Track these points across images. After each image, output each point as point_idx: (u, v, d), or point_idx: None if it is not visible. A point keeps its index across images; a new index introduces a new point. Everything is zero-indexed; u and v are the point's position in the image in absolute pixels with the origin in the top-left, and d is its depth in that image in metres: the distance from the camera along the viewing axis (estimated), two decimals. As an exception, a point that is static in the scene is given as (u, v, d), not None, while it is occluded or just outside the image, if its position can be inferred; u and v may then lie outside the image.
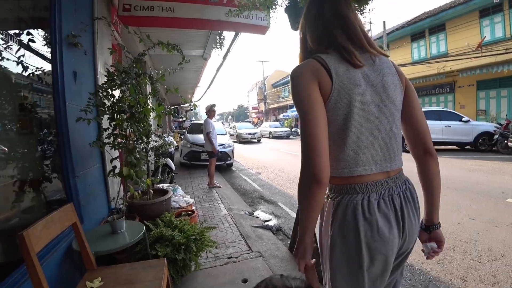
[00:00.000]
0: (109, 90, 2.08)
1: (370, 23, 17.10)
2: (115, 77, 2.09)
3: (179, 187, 3.61)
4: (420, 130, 0.94)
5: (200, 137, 7.49)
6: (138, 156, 2.38)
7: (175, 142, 5.54)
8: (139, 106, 2.37)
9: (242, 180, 6.70)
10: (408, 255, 0.97)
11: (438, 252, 0.97)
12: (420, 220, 0.98)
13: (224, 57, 7.28)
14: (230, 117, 64.41)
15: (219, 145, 5.91)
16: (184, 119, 24.41)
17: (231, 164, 8.37)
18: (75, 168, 2.10)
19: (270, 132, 21.90)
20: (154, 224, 2.38)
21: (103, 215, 2.63)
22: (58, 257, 1.70)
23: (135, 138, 2.52)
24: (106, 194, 2.82)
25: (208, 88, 15.59)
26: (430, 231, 0.98)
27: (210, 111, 5.65)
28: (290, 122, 26.71)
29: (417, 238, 0.98)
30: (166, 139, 5.37)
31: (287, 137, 21.81)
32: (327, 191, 0.95)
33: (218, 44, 6.93)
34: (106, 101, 2.01)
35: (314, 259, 0.92)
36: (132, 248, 2.07)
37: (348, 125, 0.84)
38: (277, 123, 25.19)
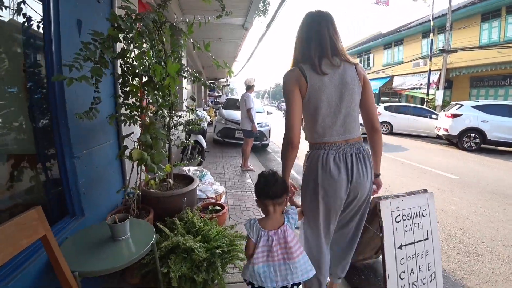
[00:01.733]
0: (111, 41, 1.48)
1: (434, -4, 14.83)
2: (121, 23, 1.50)
3: (208, 173, 3.09)
4: (369, 113, 1.43)
5: (236, 114, 6.92)
6: (155, 135, 1.83)
7: (208, 117, 5.00)
8: (161, 68, 1.78)
9: (278, 164, 6.08)
10: (364, 203, 1.44)
11: (376, 191, 1.56)
12: (369, 175, 1.38)
13: (268, 26, 6.47)
14: (266, 95, 63.24)
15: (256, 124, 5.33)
16: (220, 94, 24.07)
17: (266, 145, 7.76)
18: (73, 147, 1.60)
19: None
20: (171, 228, 1.85)
21: (115, 202, 2.18)
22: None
23: (154, 111, 1.98)
24: (122, 176, 2.36)
25: (247, 62, 14.80)
26: (374, 177, 1.49)
27: (252, 86, 4.97)
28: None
29: (369, 191, 1.41)
30: (198, 113, 4.86)
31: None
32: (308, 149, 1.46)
33: (261, 12, 6.15)
34: (107, 54, 1.43)
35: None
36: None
37: (317, 112, 1.32)
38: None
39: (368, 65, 22.43)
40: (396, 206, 1.66)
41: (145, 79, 1.88)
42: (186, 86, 7.06)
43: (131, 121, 1.79)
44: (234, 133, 6.99)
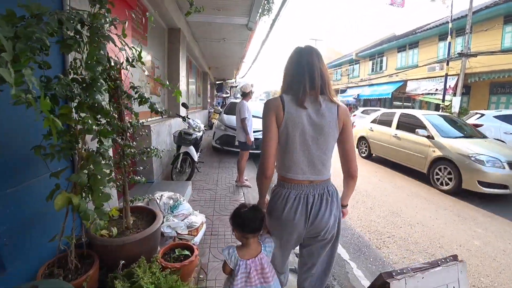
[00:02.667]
0: None
1: (454, -3, 14.02)
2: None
3: (184, 201, 2.64)
4: (347, 158, 1.38)
5: (237, 120, 6.49)
6: (95, 171, 1.40)
7: (202, 126, 4.56)
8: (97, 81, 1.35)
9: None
10: (329, 241, 1.42)
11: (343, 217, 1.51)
12: (333, 215, 1.35)
13: (272, 25, 5.98)
14: (275, 95, 62.57)
15: (256, 132, 4.80)
16: (228, 95, 23.65)
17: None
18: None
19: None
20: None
21: (54, 251, 1.75)
22: None
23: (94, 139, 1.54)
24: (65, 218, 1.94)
25: (253, 63, 14.34)
26: (342, 207, 1.49)
27: (248, 93, 4.49)
28: (339, 108, 24.57)
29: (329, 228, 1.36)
30: (191, 122, 4.43)
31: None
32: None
33: (265, 10, 5.68)
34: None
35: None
36: None
37: (288, 146, 1.31)
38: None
39: (380, 68, 21.65)
40: (414, 286, 1.18)
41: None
42: (183, 86, 6.66)
43: (61, 155, 1.35)
44: (234, 140, 6.52)
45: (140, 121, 4.15)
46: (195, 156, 4.21)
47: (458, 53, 13.43)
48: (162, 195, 2.52)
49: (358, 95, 22.44)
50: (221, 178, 4.95)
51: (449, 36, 13.83)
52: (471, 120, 8.60)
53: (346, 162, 1.37)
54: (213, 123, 10.38)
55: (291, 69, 1.37)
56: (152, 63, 4.93)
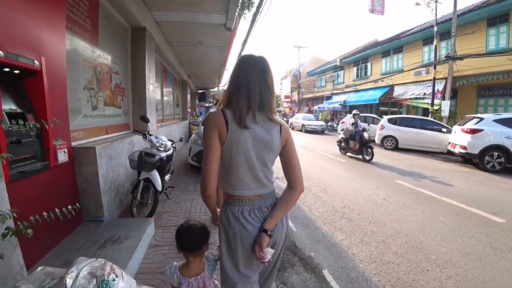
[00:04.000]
0: None
1: (436, 1, 13.86)
2: None
3: (119, 280, 1.66)
4: (289, 170, 1.32)
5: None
6: None
7: (169, 143, 3.65)
8: None
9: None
10: (279, 252, 1.40)
11: (261, 256, 1.23)
12: (285, 225, 1.37)
13: (253, 22, 5.17)
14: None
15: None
16: (211, 104, 22.74)
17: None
18: None
19: (303, 125, 19.58)
20: None
21: None
22: None
23: None
24: None
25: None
26: (264, 232, 1.26)
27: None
28: (325, 115, 24.12)
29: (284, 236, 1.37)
30: (154, 140, 3.50)
31: (322, 132, 19.43)
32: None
33: (245, 4, 4.89)
34: None
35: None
36: None
37: (232, 163, 1.25)
38: (311, 115, 22.69)
39: (365, 73, 21.42)
40: None
41: None
42: (154, 95, 5.72)
43: None
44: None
45: (83, 140, 3.31)
46: (159, 183, 3.27)
47: (445, 56, 13.14)
48: (80, 271, 1.55)
49: (344, 101, 22.05)
50: (195, 206, 4.00)
51: (435, 40, 13.60)
52: (470, 125, 8.06)
53: (291, 171, 1.32)
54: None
55: (233, 83, 1.30)
56: (108, 67, 3.99)
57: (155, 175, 3.27)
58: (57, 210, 1.45)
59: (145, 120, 3.47)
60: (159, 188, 3.25)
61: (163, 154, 3.49)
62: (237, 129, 1.21)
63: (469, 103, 14.02)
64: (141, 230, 2.80)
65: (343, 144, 9.51)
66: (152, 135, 3.51)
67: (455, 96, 14.36)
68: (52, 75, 2.45)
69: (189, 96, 15.12)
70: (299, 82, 30.35)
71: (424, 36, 15.97)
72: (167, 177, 4.13)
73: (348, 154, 9.51)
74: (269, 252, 1.23)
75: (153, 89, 5.65)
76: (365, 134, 8.63)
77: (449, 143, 9.24)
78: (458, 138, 8.41)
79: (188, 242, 1.37)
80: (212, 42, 7.39)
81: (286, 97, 38.55)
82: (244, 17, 5.25)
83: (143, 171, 3.23)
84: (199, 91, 20.99)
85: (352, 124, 9.03)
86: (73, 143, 2.92)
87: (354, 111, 9.53)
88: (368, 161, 8.41)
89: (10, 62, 1.99)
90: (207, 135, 1.23)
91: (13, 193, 1.99)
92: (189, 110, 14.79)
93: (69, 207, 1.41)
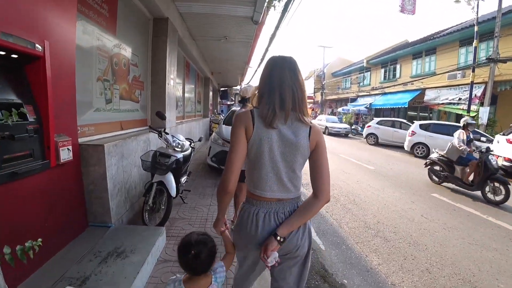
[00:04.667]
0: None
1: (478, -1, 12.78)
2: None
3: None
4: (316, 176, 1.22)
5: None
6: None
7: (187, 143, 3.32)
8: None
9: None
10: (297, 255, 1.28)
11: (265, 255, 1.19)
12: (302, 233, 1.26)
13: (284, 10, 4.73)
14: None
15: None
16: (233, 102, 22.51)
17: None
18: None
19: (326, 127, 18.90)
20: None
21: None
22: None
23: None
24: None
25: (259, 66, 13.16)
26: (278, 239, 1.19)
27: (249, 98, 3.13)
28: (349, 118, 23.25)
29: (299, 246, 1.26)
30: (171, 139, 3.17)
31: (345, 135, 18.68)
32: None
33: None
34: None
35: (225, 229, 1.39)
36: None
37: (256, 161, 1.23)
38: (334, 118, 21.93)
39: (394, 76, 20.37)
40: None
41: None
42: (174, 91, 5.43)
43: None
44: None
45: (93, 137, 2.97)
46: (173, 188, 2.93)
47: (486, 59, 12.08)
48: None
49: (370, 104, 21.09)
50: (213, 213, 3.65)
51: (475, 40, 12.55)
52: (517, 135, 7.24)
53: (318, 177, 1.22)
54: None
55: (262, 84, 1.29)
56: (126, 58, 3.72)
57: (170, 179, 2.93)
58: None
59: (162, 116, 3.14)
60: (173, 193, 2.91)
61: (180, 155, 3.15)
62: (262, 128, 1.20)
63: (509, 110, 12.87)
64: (150, 242, 2.46)
65: (439, 168, 6.27)
66: (168, 134, 3.18)
67: (494, 103, 13.23)
68: (58, 63, 2.16)
69: (211, 93, 14.90)
70: (323, 83, 29.52)
71: (461, 37, 14.87)
72: (183, 179, 3.81)
73: (447, 185, 6.20)
74: (272, 256, 1.17)
75: (174, 84, 5.37)
76: (492, 160, 5.30)
77: (490, 153, 8.39)
78: (501, 149, 7.61)
79: (193, 269, 1.23)
80: (237, 37, 7.05)
81: (309, 97, 37.52)
82: (274, 6, 4.81)
83: (156, 173, 2.90)
84: (221, 89, 20.80)
85: (464, 140, 5.64)
86: (81, 140, 2.64)
87: (464, 119, 6.00)
88: (497, 204, 5.04)
89: (5, 45, 1.70)
90: (234, 132, 1.24)
91: (2, 198, 1.71)
92: (210, 108, 14.57)
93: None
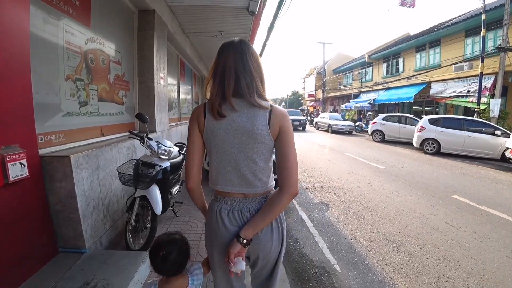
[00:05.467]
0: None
1: (485, -14, 12.22)
2: None
3: None
4: (281, 167, 1.08)
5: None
6: None
7: (175, 148, 2.85)
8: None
9: (296, 225, 3.77)
10: (271, 266, 1.20)
11: (230, 261, 1.09)
12: (274, 234, 1.15)
13: (280, 3, 4.28)
14: (283, 103, 61.06)
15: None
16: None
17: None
18: None
19: (330, 125, 18.41)
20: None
21: None
22: None
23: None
24: None
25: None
26: (241, 241, 1.07)
27: None
28: (352, 115, 22.74)
29: (271, 249, 1.14)
30: (155, 145, 2.71)
31: (349, 133, 18.17)
32: None
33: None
34: None
35: None
36: None
37: (212, 155, 1.14)
38: (337, 115, 21.40)
39: (397, 70, 19.86)
40: None
41: None
42: (165, 91, 4.97)
43: None
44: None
45: (63, 146, 2.35)
46: (158, 204, 2.46)
47: (496, 48, 11.53)
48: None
49: (374, 100, 20.54)
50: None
51: (483, 29, 11.99)
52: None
53: (282, 167, 1.08)
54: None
55: (209, 74, 1.20)
56: (105, 54, 3.26)
57: (154, 193, 2.47)
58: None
59: (143, 119, 2.66)
60: (158, 211, 2.44)
61: (166, 164, 2.69)
62: (213, 119, 1.11)
63: (521, 102, 12.34)
64: (128, 274, 2.00)
65: None
66: (152, 139, 2.71)
67: (504, 94, 12.68)
68: (3, 57, 1.71)
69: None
70: (324, 80, 29.00)
71: (466, 27, 14.34)
72: (175, 189, 3.35)
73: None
74: (239, 263, 1.06)
75: (165, 83, 4.91)
76: None
77: (507, 148, 7.90)
78: (520, 142, 7.10)
79: (165, 271, 1.15)
80: (233, 31, 6.57)
81: (310, 95, 37.14)
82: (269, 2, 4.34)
83: (138, 188, 2.44)
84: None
85: None
86: (44, 151, 2.18)
87: None
88: None
89: None
90: (189, 128, 1.20)
91: None
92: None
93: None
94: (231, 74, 1.10)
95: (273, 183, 1.20)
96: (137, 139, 2.70)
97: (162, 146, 2.71)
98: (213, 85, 1.15)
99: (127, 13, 3.91)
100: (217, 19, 5.71)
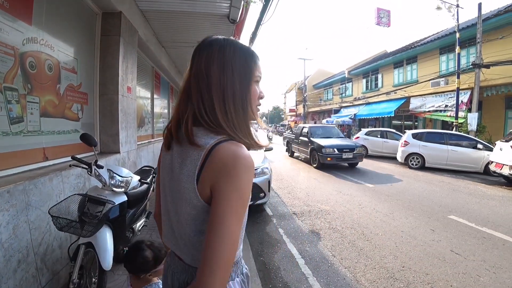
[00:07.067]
0: None
1: (457, 6, 12.73)
2: None
3: None
4: (203, 249, 0.63)
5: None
6: None
7: (134, 179, 2.24)
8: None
9: (286, 262, 3.22)
10: None
11: None
12: None
13: (264, 8, 3.89)
14: (264, 118, 61.11)
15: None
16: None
17: (264, 203, 4.96)
18: None
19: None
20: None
21: None
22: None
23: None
24: None
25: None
26: None
27: None
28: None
29: None
30: (105, 176, 2.12)
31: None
32: None
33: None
34: None
35: None
36: None
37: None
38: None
39: (376, 85, 20.24)
40: None
41: None
42: (133, 104, 4.37)
43: None
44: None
45: None
46: (107, 254, 1.84)
47: (471, 64, 11.83)
48: None
49: (355, 114, 20.66)
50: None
51: (457, 47, 12.36)
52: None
53: (203, 249, 0.63)
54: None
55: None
56: (53, 59, 2.67)
57: (103, 240, 1.85)
58: None
59: (89, 141, 2.06)
60: (107, 265, 1.81)
61: (122, 198, 2.09)
62: (163, 151, 0.85)
63: (495, 115, 12.67)
64: None
65: None
66: (102, 167, 2.11)
67: (480, 108, 13.00)
68: None
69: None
70: (305, 95, 29.18)
71: (441, 45, 14.86)
72: (139, 224, 2.72)
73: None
74: None
75: (134, 96, 4.32)
76: None
77: (491, 162, 7.82)
78: (506, 156, 7.01)
79: (132, 262, 1.24)
80: (212, 42, 6.13)
81: (291, 110, 37.30)
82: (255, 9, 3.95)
83: (81, 235, 1.81)
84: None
85: None
86: None
87: None
88: None
89: None
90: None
91: None
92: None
93: None
94: (182, 95, 0.80)
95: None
96: (83, 167, 2.09)
97: (116, 176, 2.11)
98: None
99: (88, 14, 3.36)
100: (194, 28, 5.25)
